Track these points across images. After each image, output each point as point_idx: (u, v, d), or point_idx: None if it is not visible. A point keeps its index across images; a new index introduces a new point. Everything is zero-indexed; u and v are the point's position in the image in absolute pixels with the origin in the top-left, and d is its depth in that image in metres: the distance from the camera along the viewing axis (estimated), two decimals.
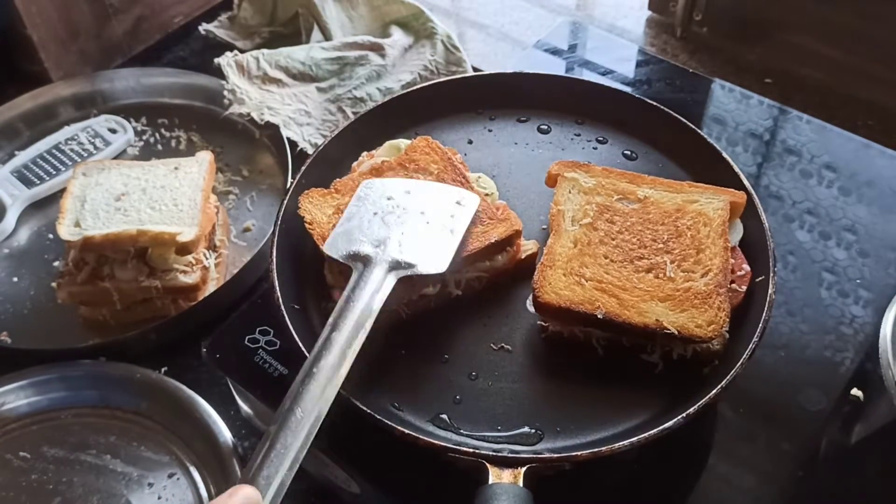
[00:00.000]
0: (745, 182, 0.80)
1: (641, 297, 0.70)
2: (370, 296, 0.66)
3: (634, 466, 0.71)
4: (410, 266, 0.69)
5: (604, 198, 0.78)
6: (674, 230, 0.75)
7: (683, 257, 0.73)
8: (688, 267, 0.73)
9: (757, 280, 0.74)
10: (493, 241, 0.74)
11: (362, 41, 1.19)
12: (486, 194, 0.80)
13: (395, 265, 0.69)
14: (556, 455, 0.64)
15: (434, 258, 0.70)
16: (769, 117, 1.06)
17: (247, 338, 0.77)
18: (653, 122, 0.87)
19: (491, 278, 0.77)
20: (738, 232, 0.78)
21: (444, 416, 0.69)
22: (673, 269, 0.72)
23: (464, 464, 0.63)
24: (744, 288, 0.73)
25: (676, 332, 0.68)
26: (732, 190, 0.78)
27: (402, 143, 0.84)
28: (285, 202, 0.79)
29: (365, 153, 0.84)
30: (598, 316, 0.69)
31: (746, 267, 0.75)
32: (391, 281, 0.68)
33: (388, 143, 0.85)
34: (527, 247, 0.78)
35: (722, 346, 0.70)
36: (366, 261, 0.69)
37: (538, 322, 0.74)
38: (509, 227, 0.75)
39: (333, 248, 0.71)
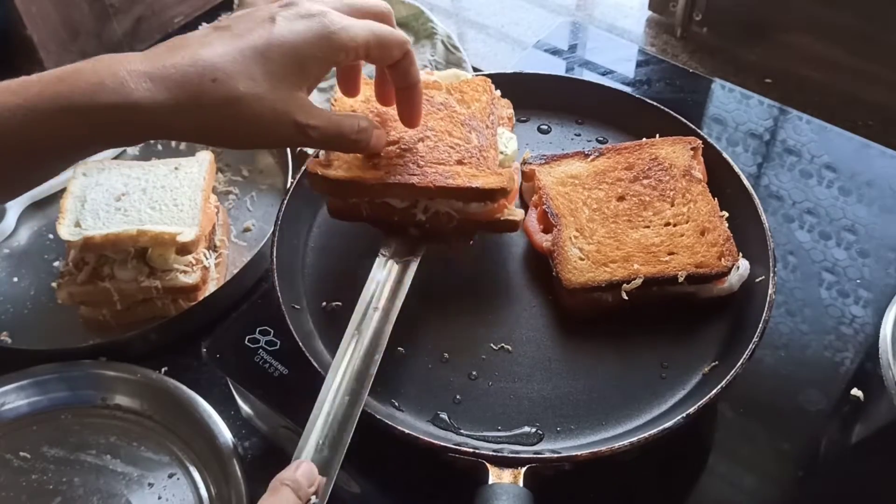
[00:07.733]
0: (746, 182, 0.80)
1: (657, 252, 0.75)
2: None
3: (635, 466, 0.71)
4: None
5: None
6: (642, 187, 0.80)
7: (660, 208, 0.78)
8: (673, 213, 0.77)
9: (757, 280, 0.74)
10: (473, 185, 0.69)
11: None
12: (500, 152, 0.76)
13: None
14: (556, 455, 0.64)
15: None
16: (769, 117, 1.06)
17: (247, 338, 0.77)
18: (653, 123, 0.87)
19: (461, 224, 0.73)
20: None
21: (444, 416, 0.69)
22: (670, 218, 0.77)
23: (464, 464, 0.63)
24: None
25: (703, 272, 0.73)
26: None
27: (465, 75, 0.82)
28: (285, 202, 0.79)
29: (425, 69, 0.82)
30: (639, 280, 0.72)
31: None
32: None
33: (452, 70, 0.83)
34: (512, 211, 0.75)
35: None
36: None
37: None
38: (498, 182, 0.70)
39: None
